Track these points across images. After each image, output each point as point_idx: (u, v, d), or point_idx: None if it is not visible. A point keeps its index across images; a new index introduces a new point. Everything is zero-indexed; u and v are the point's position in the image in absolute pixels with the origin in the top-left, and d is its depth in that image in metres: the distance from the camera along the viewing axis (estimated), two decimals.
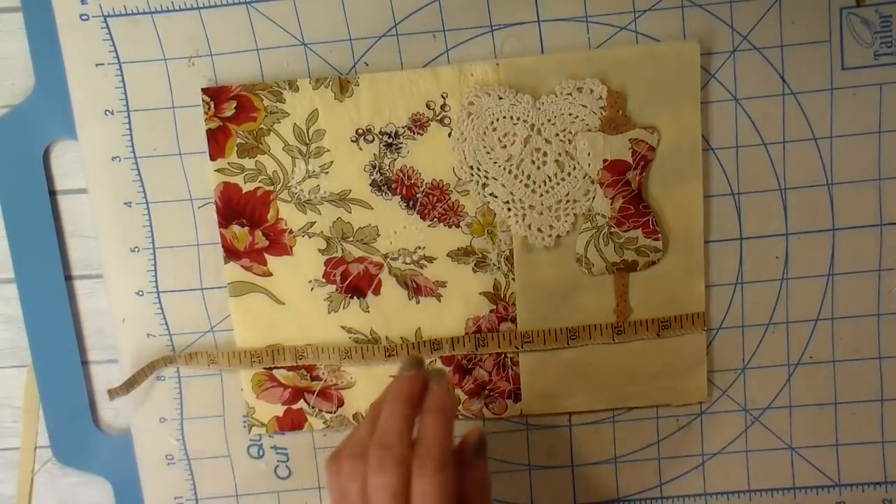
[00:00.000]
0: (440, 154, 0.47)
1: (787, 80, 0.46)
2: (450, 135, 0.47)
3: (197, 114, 0.47)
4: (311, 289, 0.48)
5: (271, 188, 0.47)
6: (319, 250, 0.48)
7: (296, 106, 0.47)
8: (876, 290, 0.49)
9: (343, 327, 0.49)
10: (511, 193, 0.47)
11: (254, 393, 0.50)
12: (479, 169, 0.47)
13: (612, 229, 0.47)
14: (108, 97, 0.47)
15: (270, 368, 0.49)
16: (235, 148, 0.47)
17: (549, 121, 0.46)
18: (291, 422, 0.50)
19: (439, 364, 0.49)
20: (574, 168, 0.46)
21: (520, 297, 0.48)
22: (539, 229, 0.47)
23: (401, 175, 0.47)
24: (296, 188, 0.47)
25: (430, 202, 0.47)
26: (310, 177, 0.47)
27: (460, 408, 0.49)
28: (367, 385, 0.49)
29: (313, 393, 0.50)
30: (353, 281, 0.48)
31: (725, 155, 0.47)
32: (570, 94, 0.46)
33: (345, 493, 0.39)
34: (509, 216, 0.47)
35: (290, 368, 0.49)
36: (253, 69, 0.47)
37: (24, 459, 0.52)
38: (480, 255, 0.48)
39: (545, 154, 0.46)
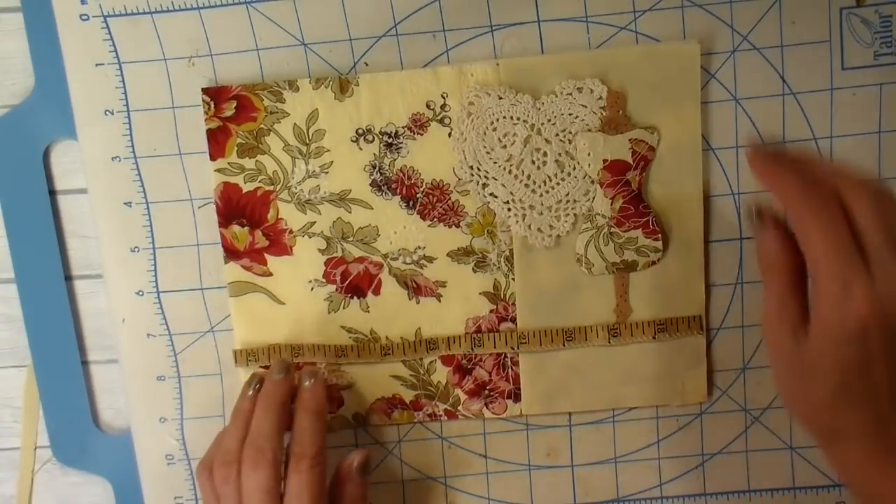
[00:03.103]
0: (440, 154, 0.47)
1: (787, 80, 0.46)
2: (450, 135, 0.47)
3: (197, 114, 0.47)
4: (311, 289, 0.48)
5: (271, 188, 0.47)
6: (319, 250, 0.48)
7: (296, 106, 0.47)
8: None
9: (343, 327, 0.49)
10: (511, 193, 0.47)
11: None
12: (479, 169, 0.47)
13: (612, 229, 0.47)
14: (108, 97, 0.47)
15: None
16: (235, 148, 0.47)
17: (549, 121, 0.46)
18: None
19: (439, 365, 0.49)
20: (574, 168, 0.46)
21: (520, 297, 0.48)
22: (539, 229, 0.47)
23: (401, 175, 0.47)
24: (296, 188, 0.47)
25: (430, 202, 0.47)
26: (310, 177, 0.47)
27: (460, 407, 0.49)
28: (366, 385, 0.49)
29: None
30: (353, 281, 0.48)
31: (725, 155, 0.47)
32: (570, 94, 0.46)
33: (218, 497, 0.42)
34: (509, 216, 0.47)
35: None
36: (253, 69, 0.47)
37: (24, 459, 0.52)
38: (480, 255, 0.48)
39: (545, 154, 0.46)
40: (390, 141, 0.47)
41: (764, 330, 0.36)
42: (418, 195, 0.47)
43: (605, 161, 0.46)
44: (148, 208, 0.48)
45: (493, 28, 0.46)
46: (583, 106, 0.46)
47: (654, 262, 0.47)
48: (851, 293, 0.32)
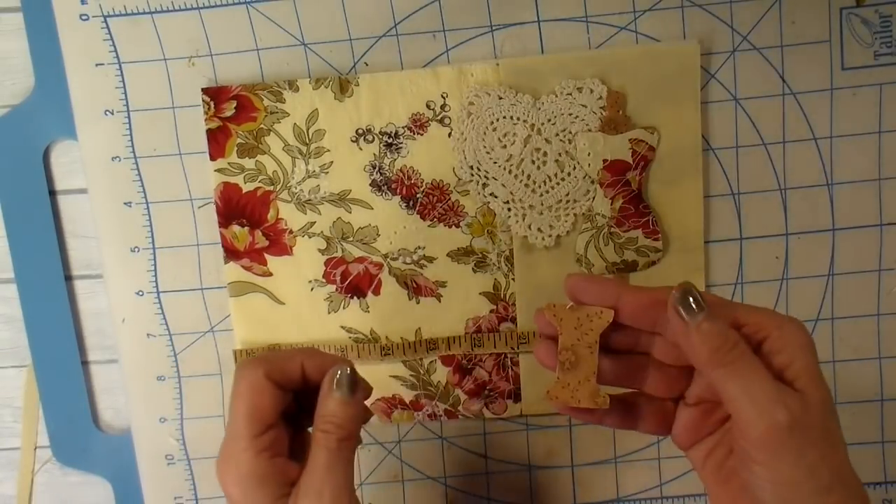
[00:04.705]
0: (440, 154, 0.47)
1: (787, 80, 0.46)
2: (450, 135, 0.47)
3: (197, 114, 0.47)
4: (311, 289, 0.48)
5: (271, 188, 0.47)
6: (319, 250, 0.48)
7: (296, 106, 0.47)
8: (876, 290, 0.49)
9: (343, 327, 0.49)
10: (511, 193, 0.47)
11: None
12: (479, 169, 0.47)
13: (612, 229, 0.47)
14: (108, 97, 0.47)
15: None
16: (235, 148, 0.47)
17: (549, 121, 0.46)
18: None
19: (439, 365, 0.49)
20: (574, 168, 0.46)
21: (520, 297, 0.48)
22: (539, 229, 0.47)
23: (401, 175, 0.47)
24: (296, 188, 0.47)
25: (430, 202, 0.47)
26: (310, 177, 0.47)
27: (460, 407, 0.49)
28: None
29: None
30: (353, 281, 0.48)
31: (725, 155, 0.47)
32: (570, 94, 0.46)
33: None
34: (509, 216, 0.47)
35: None
36: (253, 69, 0.47)
37: (24, 459, 0.52)
38: (480, 255, 0.48)
39: (545, 154, 0.46)
40: (390, 141, 0.47)
41: None
42: (418, 195, 0.47)
43: (605, 161, 0.46)
44: (148, 208, 0.48)
45: (493, 28, 0.46)
46: (583, 106, 0.46)
47: (654, 262, 0.47)
48: None
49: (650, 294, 0.35)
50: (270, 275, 0.48)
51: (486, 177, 0.47)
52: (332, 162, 0.47)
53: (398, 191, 0.47)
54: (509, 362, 0.49)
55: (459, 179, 0.47)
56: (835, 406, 0.32)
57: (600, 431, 0.50)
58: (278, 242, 0.48)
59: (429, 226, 0.48)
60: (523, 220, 0.47)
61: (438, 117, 0.47)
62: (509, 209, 0.47)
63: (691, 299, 0.33)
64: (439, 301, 0.48)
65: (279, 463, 0.36)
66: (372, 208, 0.48)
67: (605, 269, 0.47)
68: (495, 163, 0.46)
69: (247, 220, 0.48)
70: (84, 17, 0.46)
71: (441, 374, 0.49)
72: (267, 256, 0.48)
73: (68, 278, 0.50)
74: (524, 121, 0.46)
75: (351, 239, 0.48)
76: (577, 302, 0.36)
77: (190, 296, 0.49)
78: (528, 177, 0.46)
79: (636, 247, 0.47)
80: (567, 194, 0.47)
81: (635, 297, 0.35)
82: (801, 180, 0.47)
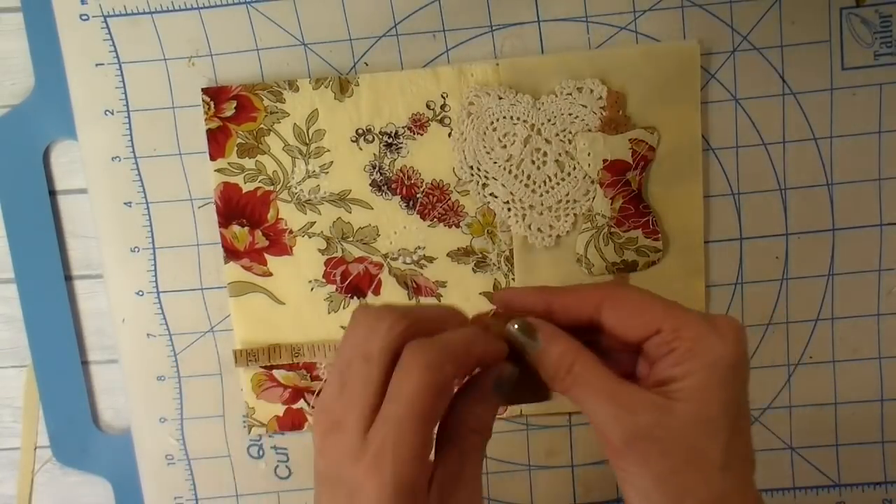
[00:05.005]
0: (440, 154, 0.47)
1: (787, 80, 0.46)
2: (450, 135, 0.47)
3: (197, 114, 0.47)
4: (311, 289, 0.48)
5: (271, 188, 0.47)
6: (319, 250, 0.48)
7: (296, 106, 0.47)
8: (876, 290, 0.49)
9: (343, 327, 0.49)
10: (511, 193, 0.47)
11: (254, 393, 0.50)
12: (479, 169, 0.47)
13: (612, 229, 0.47)
14: (108, 97, 0.47)
15: (270, 367, 0.49)
16: (235, 148, 0.47)
17: (549, 121, 0.46)
18: (291, 422, 0.50)
19: None
20: (574, 168, 0.46)
21: None
22: (539, 229, 0.47)
23: (401, 175, 0.47)
24: (296, 188, 0.47)
25: (430, 202, 0.47)
26: (310, 177, 0.47)
27: None
28: None
29: (313, 393, 0.50)
30: (353, 281, 0.48)
31: (725, 155, 0.47)
32: (570, 94, 0.46)
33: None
34: (509, 216, 0.47)
35: (289, 368, 0.49)
36: (253, 69, 0.47)
37: (24, 459, 0.52)
38: (480, 255, 0.48)
39: (545, 154, 0.46)
40: (390, 141, 0.47)
41: None
42: (418, 195, 0.47)
43: (605, 161, 0.46)
44: (148, 208, 0.48)
45: (493, 28, 0.46)
46: (583, 106, 0.46)
47: (654, 262, 0.47)
48: None
49: (577, 296, 0.35)
50: (270, 275, 0.48)
51: (486, 177, 0.47)
52: (332, 162, 0.47)
53: (398, 191, 0.47)
54: None
55: (459, 179, 0.47)
56: (722, 428, 0.31)
57: None
58: (278, 242, 0.48)
59: (429, 226, 0.48)
60: (523, 220, 0.47)
61: (438, 117, 0.47)
62: (509, 209, 0.47)
63: (525, 335, 0.34)
64: (439, 301, 0.48)
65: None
66: (372, 208, 0.48)
67: (605, 269, 0.47)
68: (495, 163, 0.46)
69: (247, 220, 0.48)
70: (84, 17, 0.46)
71: None
72: (267, 256, 0.48)
73: (68, 278, 0.50)
74: (524, 121, 0.46)
75: (351, 239, 0.48)
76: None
77: (190, 296, 0.49)
78: (528, 177, 0.47)
79: (636, 247, 0.47)
80: (567, 194, 0.47)
81: (564, 304, 0.35)
82: (801, 180, 0.47)
